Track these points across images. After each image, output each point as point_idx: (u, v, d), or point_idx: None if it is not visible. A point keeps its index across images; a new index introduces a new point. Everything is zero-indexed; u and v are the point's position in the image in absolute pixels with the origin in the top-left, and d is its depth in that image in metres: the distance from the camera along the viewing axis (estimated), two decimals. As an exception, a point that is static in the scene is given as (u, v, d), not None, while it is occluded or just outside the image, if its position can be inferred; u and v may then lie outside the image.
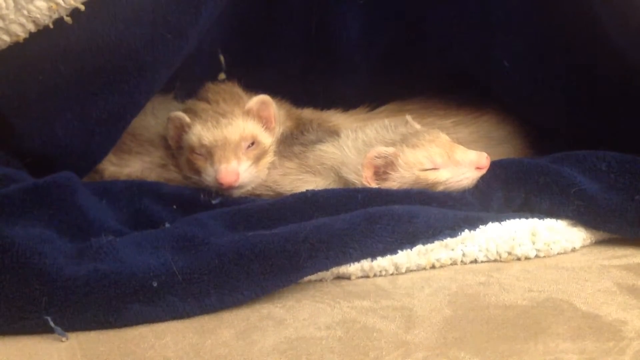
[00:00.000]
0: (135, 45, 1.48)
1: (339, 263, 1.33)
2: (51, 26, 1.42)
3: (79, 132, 1.55)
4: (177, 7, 1.49)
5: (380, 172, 1.60)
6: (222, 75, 1.94)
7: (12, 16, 1.39)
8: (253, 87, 1.85)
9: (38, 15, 1.40)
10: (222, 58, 1.95)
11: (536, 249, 1.44)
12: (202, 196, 1.62)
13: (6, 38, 1.41)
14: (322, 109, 2.00)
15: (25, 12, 1.40)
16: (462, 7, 1.83)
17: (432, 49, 1.93)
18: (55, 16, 1.41)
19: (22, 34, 1.42)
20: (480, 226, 1.44)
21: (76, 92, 1.50)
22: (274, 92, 1.83)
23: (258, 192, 1.71)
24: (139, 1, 1.45)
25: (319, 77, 2.05)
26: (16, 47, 1.43)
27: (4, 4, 1.38)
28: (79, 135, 1.55)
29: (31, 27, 1.42)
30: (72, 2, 1.40)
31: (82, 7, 1.41)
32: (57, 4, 1.40)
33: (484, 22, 1.81)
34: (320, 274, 1.34)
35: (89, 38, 1.44)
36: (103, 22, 1.44)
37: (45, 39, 1.43)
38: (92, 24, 1.43)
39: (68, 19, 1.42)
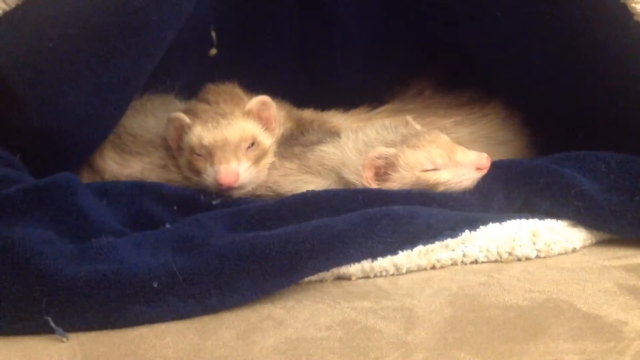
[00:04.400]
0: (141, 3, 1.48)
1: (340, 264, 1.33)
2: None
3: (93, 100, 1.54)
4: None
5: (380, 173, 1.60)
6: (213, 51, 1.95)
7: None
8: (248, 62, 1.84)
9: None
10: (213, 34, 1.95)
11: (537, 250, 1.44)
12: (202, 197, 1.62)
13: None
14: (322, 110, 2.00)
15: None
16: None
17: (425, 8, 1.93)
18: None
19: None
20: (481, 227, 1.44)
21: (87, 57, 1.49)
22: (274, 91, 1.83)
23: (258, 193, 1.71)
24: None
25: (315, 48, 2.04)
26: (22, 15, 1.41)
27: None
28: (92, 104, 1.54)
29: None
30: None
31: None
32: None
33: None
34: (321, 275, 1.34)
35: None
36: None
37: (51, 3, 1.42)
38: None
39: None
